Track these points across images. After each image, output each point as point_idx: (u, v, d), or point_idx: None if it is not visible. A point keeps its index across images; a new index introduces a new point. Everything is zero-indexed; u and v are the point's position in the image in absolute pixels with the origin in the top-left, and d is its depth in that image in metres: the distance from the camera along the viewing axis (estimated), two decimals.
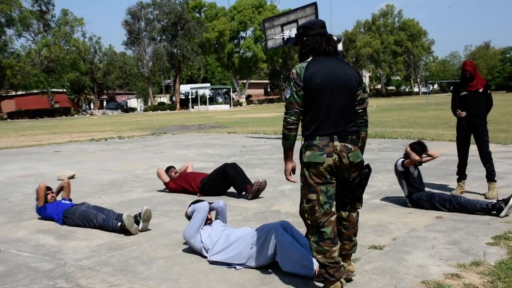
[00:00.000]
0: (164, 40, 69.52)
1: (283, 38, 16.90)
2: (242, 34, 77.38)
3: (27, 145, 19.11)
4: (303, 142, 3.93)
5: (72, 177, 10.39)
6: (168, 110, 64.46)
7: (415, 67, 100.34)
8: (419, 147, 6.87)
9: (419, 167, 7.16)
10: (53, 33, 64.47)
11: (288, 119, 3.84)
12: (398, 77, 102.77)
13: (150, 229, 6.21)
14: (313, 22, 4.14)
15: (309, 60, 3.90)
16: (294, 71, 3.86)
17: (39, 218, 7.09)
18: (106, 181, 10.02)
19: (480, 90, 7.29)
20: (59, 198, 7.27)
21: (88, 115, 62.84)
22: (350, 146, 3.84)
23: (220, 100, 69.68)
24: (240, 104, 72.40)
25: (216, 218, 5.51)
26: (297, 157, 3.90)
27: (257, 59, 74.61)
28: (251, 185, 7.85)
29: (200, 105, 65.55)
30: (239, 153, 13.84)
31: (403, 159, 6.92)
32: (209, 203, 5.40)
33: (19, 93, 63.87)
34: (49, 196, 7.12)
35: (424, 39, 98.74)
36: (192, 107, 65.95)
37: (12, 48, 64.32)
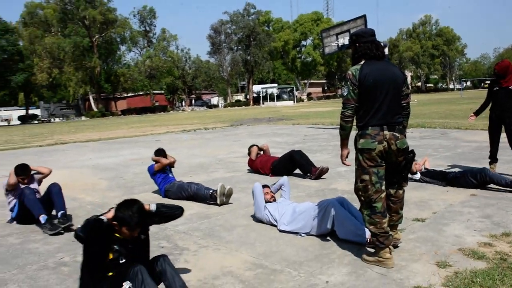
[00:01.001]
0: (239, 50, 69.88)
1: (338, 45, 16.57)
2: (303, 42, 76.68)
3: (135, 135, 19.70)
4: (357, 131, 3.86)
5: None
6: (243, 106, 64.80)
7: (450, 67, 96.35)
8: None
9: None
10: (154, 47, 66.12)
11: (345, 113, 3.80)
12: (435, 76, 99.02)
13: (231, 203, 6.23)
14: (365, 31, 4.03)
15: (362, 63, 3.82)
16: (350, 72, 3.79)
17: (146, 192, 7.26)
18: (195, 164, 10.09)
19: (511, 87, 6.88)
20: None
21: (180, 111, 64.01)
22: (397, 134, 3.77)
23: (285, 97, 69.26)
24: (302, 100, 71.87)
25: (280, 196, 5.45)
26: (351, 144, 3.84)
27: (316, 63, 74.11)
28: (315, 168, 7.74)
29: (269, 101, 65.58)
30: (302, 140, 13.70)
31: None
32: (262, 186, 5.34)
33: (129, 94, 66.00)
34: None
35: (458, 43, 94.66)
36: (263, 103, 65.95)
37: (124, 60, 66.78)
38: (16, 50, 50.91)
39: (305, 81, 79.02)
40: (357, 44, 3.91)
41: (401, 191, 4.04)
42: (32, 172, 5.93)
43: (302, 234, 4.72)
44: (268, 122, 24.61)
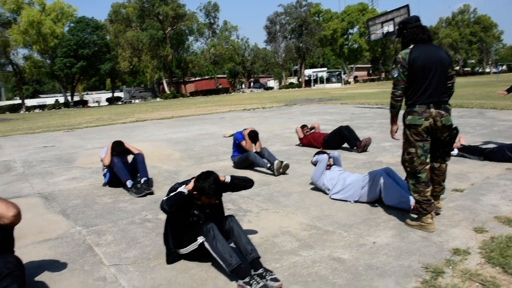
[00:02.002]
0: (293, 38, 68.81)
1: (383, 33, 15.99)
2: (350, 31, 74.36)
3: (202, 114, 19.98)
4: (406, 109, 3.74)
5: (232, 135, 10.68)
6: (296, 88, 64.10)
7: (487, 52, 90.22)
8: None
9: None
10: (217, 37, 66.27)
11: (396, 93, 3.70)
12: (472, 61, 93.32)
13: (287, 173, 6.23)
14: (410, 18, 3.88)
15: (411, 47, 3.67)
16: (400, 56, 3.67)
17: (213, 162, 7.38)
18: None
19: None
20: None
21: (240, 92, 64.24)
22: (442, 112, 3.64)
23: (333, 80, 67.58)
24: (349, 83, 70.15)
25: (333, 164, 5.41)
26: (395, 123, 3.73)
27: (361, 49, 71.96)
28: (360, 141, 7.60)
29: (319, 84, 64.53)
30: (349, 118, 13.43)
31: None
32: (328, 154, 5.30)
33: (196, 79, 66.91)
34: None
35: (494, 30, 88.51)
36: (313, 86, 64.92)
37: (192, 49, 67.41)
38: (104, 43, 52.76)
39: (352, 66, 76.94)
40: (405, 31, 3.78)
41: (444, 165, 3.92)
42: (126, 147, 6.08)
43: (352, 201, 4.68)
44: (318, 102, 24.24)
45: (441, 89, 3.66)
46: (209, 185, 3.20)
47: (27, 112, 46.52)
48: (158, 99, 56.15)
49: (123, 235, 4.02)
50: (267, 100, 30.26)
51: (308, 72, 69.95)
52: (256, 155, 6.46)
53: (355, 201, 4.64)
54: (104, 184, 6.04)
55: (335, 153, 5.50)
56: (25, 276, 2.89)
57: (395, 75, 3.67)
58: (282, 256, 3.39)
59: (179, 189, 3.27)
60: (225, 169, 6.74)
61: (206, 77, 66.53)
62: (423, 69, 3.56)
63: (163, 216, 4.45)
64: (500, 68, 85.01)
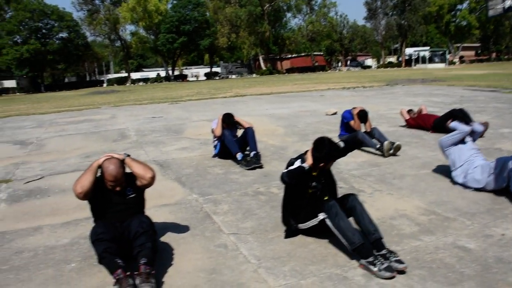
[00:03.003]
0: (394, 15, 65.37)
1: (504, 8, 14.47)
2: (459, 6, 68.70)
3: (301, 91, 19.84)
4: None
5: (335, 113, 10.49)
6: (395, 68, 61.10)
7: None
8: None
9: None
10: (315, 13, 65.03)
11: None
12: None
13: (398, 155, 5.98)
14: None
15: None
16: None
17: None
18: None
19: None
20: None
21: (337, 70, 62.80)
22: None
23: (436, 60, 63.21)
24: (454, 64, 65.19)
25: (470, 139, 4.84)
26: None
27: (470, 26, 66.24)
28: None
29: (421, 64, 60.87)
30: (458, 101, 12.47)
31: None
32: (470, 125, 4.86)
33: (293, 56, 66.62)
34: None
35: None
36: (414, 65, 61.41)
37: (289, 26, 67.17)
38: (204, 19, 54.76)
39: (458, 45, 71.27)
40: None
41: None
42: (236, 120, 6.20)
43: (472, 189, 4.37)
44: (422, 83, 22.83)
45: None
46: (327, 150, 3.20)
47: (132, 84, 50.07)
48: (254, 75, 57.06)
49: (238, 205, 4.15)
50: (366, 79, 29.21)
51: (409, 51, 66.17)
52: (364, 135, 6.27)
53: (476, 189, 4.34)
54: (214, 156, 6.28)
55: (479, 127, 4.97)
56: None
57: None
58: (402, 240, 3.30)
59: (299, 165, 3.26)
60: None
61: (303, 54, 65.91)
62: None
63: (275, 190, 4.54)
64: None
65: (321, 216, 3.10)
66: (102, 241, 2.79)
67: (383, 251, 2.90)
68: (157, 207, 4.15)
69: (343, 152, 3.48)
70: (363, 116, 6.54)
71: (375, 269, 2.78)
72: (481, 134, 6.91)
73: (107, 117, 12.17)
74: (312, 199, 3.31)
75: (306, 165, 3.21)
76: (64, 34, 50.55)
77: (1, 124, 12.05)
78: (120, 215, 3.08)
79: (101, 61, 64.72)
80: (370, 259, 2.83)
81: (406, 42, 68.07)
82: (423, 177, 4.92)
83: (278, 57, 64.52)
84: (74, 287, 2.77)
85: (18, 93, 44.14)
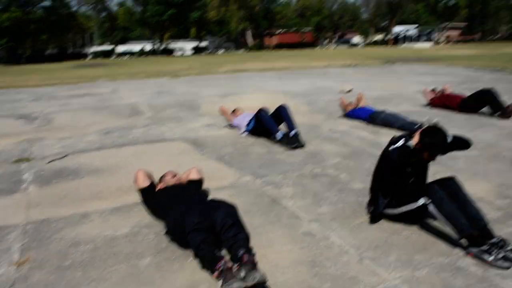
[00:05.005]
0: None
1: None
2: None
3: (300, 67, 19.24)
4: None
5: (350, 90, 10.14)
6: (383, 46, 60.75)
7: None
8: None
9: None
10: None
11: None
12: None
13: None
14: None
15: None
16: None
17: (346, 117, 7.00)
18: (376, 96, 9.21)
19: None
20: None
21: (325, 48, 62.19)
22: None
23: (423, 39, 63.21)
24: (440, 43, 65.24)
25: None
26: None
27: (458, 6, 66.25)
28: (505, 107, 6.80)
29: (407, 43, 60.75)
30: (467, 81, 12.13)
31: None
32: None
33: (281, 31, 65.44)
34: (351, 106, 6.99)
35: None
36: (402, 44, 61.21)
37: (280, 0, 65.87)
38: None
39: (445, 24, 71.23)
40: None
41: None
42: None
43: None
44: (417, 61, 22.58)
45: None
46: (438, 142, 2.88)
47: (117, 58, 48.60)
48: (241, 51, 56.00)
49: (302, 189, 3.80)
50: (360, 56, 28.79)
51: (397, 29, 65.87)
52: (401, 119, 6.15)
53: None
54: (243, 132, 5.90)
55: None
56: None
57: None
58: (491, 226, 2.96)
59: (403, 143, 2.95)
60: (360, 124, 6.37)
61: (291, 30, 64.83)
62: None
63: (333, 171, 4.22)
64: None
65: (422, 200, 2.79)
66: (200, 231, 2.42)
67: (494, 239, 2.64)
68: (213, 190, 3.76)
69: (447, 149, 3.11)
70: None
71: (491, 258, 2.55)
72: (510, 115, 6.69)
73: (108, 91, 11.56)
74: (409, 184, 3.00)
75: (412, 143, 2.89)
76: (47, 3, 48.48)
77: None
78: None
79: (86, 32, 62.56)
80: (484, 247, 2.59)
81: (395, 20, 67.69)
82: (474, 159, 4.67)
83: (266, 32, 63.44)
84: (160, 287, 2.39)
85: None
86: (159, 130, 6.36)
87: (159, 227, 3.08)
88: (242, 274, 2.22)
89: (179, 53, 57.12)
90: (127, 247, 2.82)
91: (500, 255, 2.55)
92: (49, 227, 3.19)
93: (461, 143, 3.08)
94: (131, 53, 51.83)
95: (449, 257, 2.66)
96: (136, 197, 3.62)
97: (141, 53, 51.70)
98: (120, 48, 58.97)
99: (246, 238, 2.53)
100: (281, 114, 5.60)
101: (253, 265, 2.27)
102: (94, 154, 5.12)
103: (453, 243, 2.79)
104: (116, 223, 3.21)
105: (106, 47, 59.69)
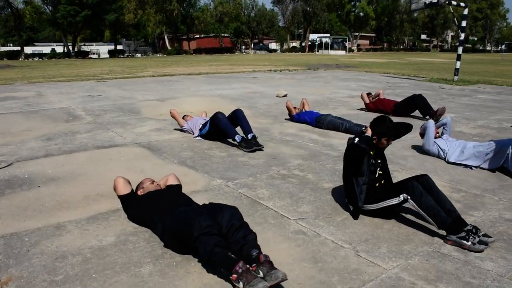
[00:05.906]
0: (301, 0, 67.34)
1: (425, 3, 15.48)
2: None
3: (228, 72, 19.36)
4: None
5: (286, 95, 10.43)
6: (299, 52, 63.07)
7: (490, 30, 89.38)
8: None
9: None
10: None
11: None
12: (475, 38, 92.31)
13: None
14: None
15: None
16: None
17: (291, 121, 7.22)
18: (310, 100, 9.15)
19: None
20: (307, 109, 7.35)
21: (244, 53, 63.01)
22: None
23: (336, 47, 66.68)
24: (352, 51, 69.23)
25: (443, 133, 5.38)
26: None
27: (368, 17, 71.00)
28: (433, 110, 7.53)
29: (323, 50, 63.68)
30: (388, 87, 13.14)
31: None
32: (434, 121, 5.40)
33: (199, 36, 65.18)
34: (296, 110, 7.27)
35: (501, 8, 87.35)
36: (317, 51, 64.03)
37: (199, 5, 65.56)
38: None
39: (356, 33, 75.90)
40: None
41: None
42: None
43: (473, 167, 4.71)
44: (338, 68, 23.80)
45: None
46: (389, 126, 3.27)
47: (26, 60, 45.16)
48: (159, 55, 54.83)
49: (277, 190, 3.88)
50: (279, 62, 29.64)
51: (312, 36, 68.78)
52: (346, 123, 6.57)
53: (476, 167, 4.71)
54: (196, 136, 5.86)
55: (447, 118, 5.41)
56: None
57: None
58: None
59: (360, 137, 3.40)
60: (307, 127, 6.62)
61: (210, 35, 64.82)
62: None
63: (299, 172, 4.35)
64: (500, 47, 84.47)
65: (403, 196, 3.04)
66: (211, 235, 2.38)
67: (469, 226, 2.94)
68: (188, 194, 3.69)
69: (398, 130, 3.44)
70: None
71: (468, 243, 2.85)
72: (437, 118, 7.37)
73: (32, 94, 10.74)
74: (375, 178, 3.31)
75: (368, 134, 3.35)
76: None
77: None
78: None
79: None
80: (462, 234, 2.88)
81: (310, 28, 70.61)
82: (422, 158, 5.10)
83: (185, 37, 62.81)
84: None
85: None
86: (106, 135, 6.08)
87: (146, 234, 2.98)
88: (261, 274, 2.24)
89: (94, 56, 54.54)
90: (120, 257, 2.69)
91: (476, 240, 2.86)
92: (22, 241, 2.93)
93: (404, 126, 3.42)
94: (42, 55, 48.45)
95: (432, 246, 2.91)
96: (109, 205, 3.48)
97: (52, 55, 48.53)
98: (27, 49, 54.91)
99: (255, 239, 2.54)
100: (238, 117, 5.63)
101: (271, 265, 2.30)
102: (43, 161, 4.76)
103: (431, 232, 3.07)
104: (97, 232, 3.04)
105: (11, 48, 55.26)
